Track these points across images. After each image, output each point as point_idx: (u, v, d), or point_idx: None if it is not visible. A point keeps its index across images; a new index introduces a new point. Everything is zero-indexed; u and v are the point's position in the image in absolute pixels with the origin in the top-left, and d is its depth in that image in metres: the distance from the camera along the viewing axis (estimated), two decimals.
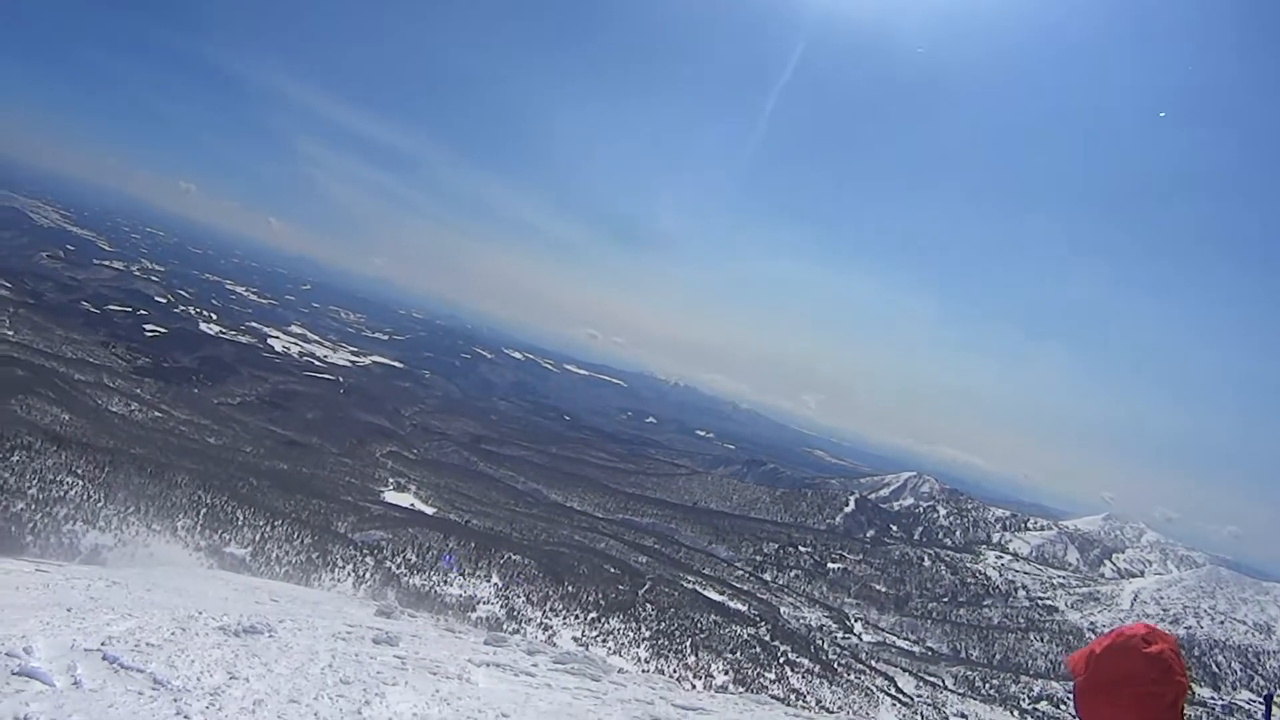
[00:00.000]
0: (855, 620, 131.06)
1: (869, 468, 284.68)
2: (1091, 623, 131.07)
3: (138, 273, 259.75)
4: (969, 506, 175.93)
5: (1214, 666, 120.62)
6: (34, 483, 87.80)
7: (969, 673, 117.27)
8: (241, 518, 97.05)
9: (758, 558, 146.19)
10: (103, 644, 12.11)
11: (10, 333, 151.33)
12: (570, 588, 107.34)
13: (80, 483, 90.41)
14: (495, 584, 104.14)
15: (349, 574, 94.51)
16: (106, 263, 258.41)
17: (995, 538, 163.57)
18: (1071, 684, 4.52)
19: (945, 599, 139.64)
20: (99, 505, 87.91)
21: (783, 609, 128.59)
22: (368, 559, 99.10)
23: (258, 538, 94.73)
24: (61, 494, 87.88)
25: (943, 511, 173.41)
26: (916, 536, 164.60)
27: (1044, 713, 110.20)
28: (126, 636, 13.01)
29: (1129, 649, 4.31)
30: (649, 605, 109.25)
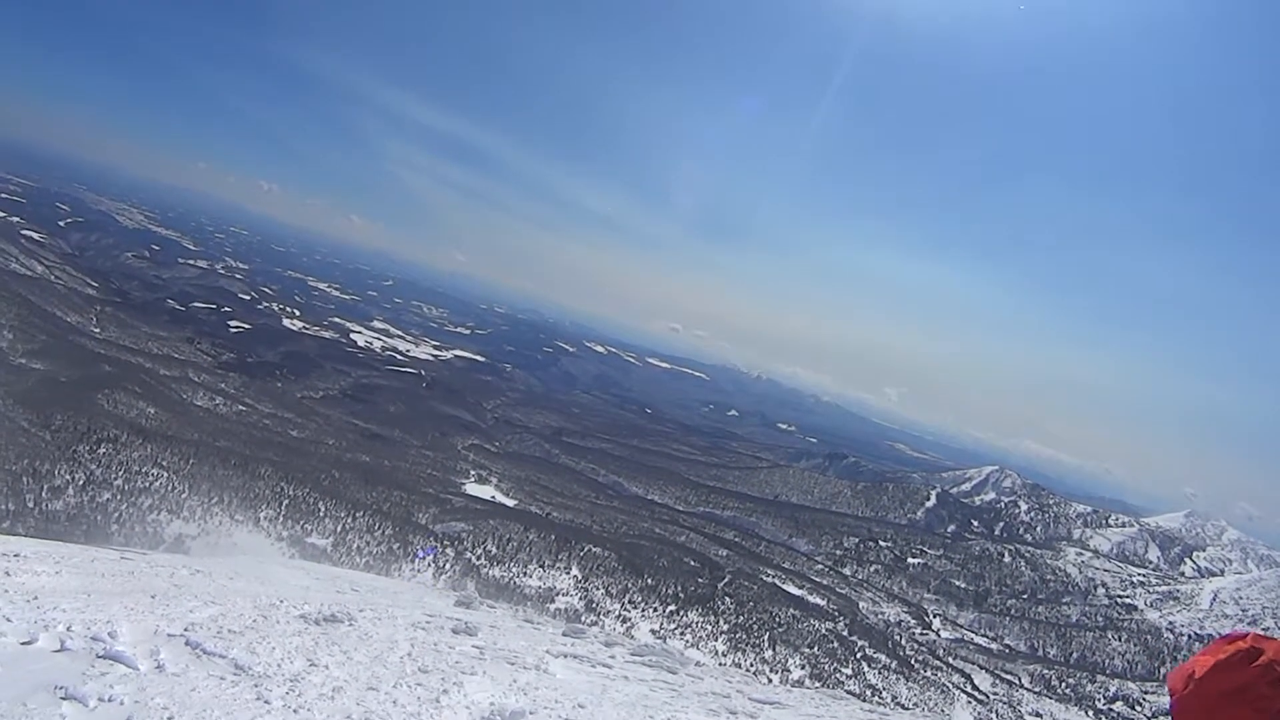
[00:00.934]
0: (934, 616, 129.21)
1: (951, 461, 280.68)
2: (1170, 622, 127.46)
3: (222, 271, 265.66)
4: (1050, 502, 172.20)
5: None
6: (120, 474, 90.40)
7: (1045, 671, 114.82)
8: (323, 509, 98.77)
9: (838, 552, 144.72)
10: (186, 630, 12.24)
11: (97, 330, 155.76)
12: (649, 580, 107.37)
13: (165, 474, 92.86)
14: (575, 576, 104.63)
15: (429, 565, 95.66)
16: (191, 262, 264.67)
17: (1076, 534, 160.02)
18: (1165, 689, 4.26)
19: (1024, 596, 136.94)
20: (183, 496, 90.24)
21: (861, 604, 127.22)
22: (448, 550, 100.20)
23: (339, 528, 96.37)
24: (147, 485, 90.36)
25: (1024, 507, 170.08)
26: (997, 532, 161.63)
27: (1119, 713, 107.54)
28: (209, 623, 13.14)
29: (1236, 659, 4.04)
30: (728, 599, 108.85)
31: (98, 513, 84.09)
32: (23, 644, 10.10)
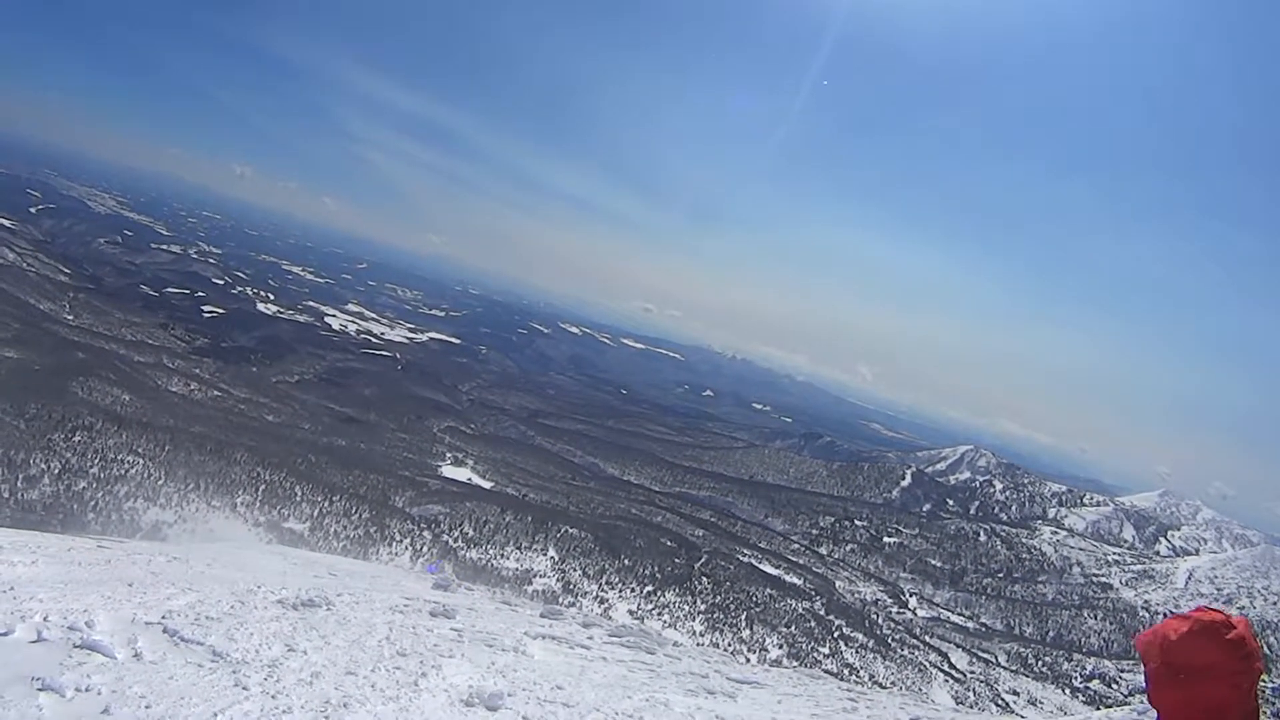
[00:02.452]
0: (910, 595, 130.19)
1: (926, 441, 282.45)
2: (1145, 601, 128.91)
3: (195, 256, 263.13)
4: (1025, 481, 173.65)
5: (1266, 648, 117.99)
6: (95, 462, 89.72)
7: (1022, 649, 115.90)
8: (300, 493, 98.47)
9: (814, 531, 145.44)
10: (163, 617, 12.24)
11: (70, 317, 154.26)
12: (626, 561, 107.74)
13: (141, 461, 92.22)
14: (552, 557, 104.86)
15: (406, 548, 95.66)
16: (164, 247, 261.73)
17: (1051, 513, 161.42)
18: (1141, 668, 4.36)
19: (1000, 575, 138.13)
20: (159, 483, 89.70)
21: (838, 583, 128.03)
22: (425, 533, 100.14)
23: (316, 513, 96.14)
24: (122, 472, 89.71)
25: (999, 486, 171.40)
26: (973, 511, 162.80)
27: (1095, 691, 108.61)
28: (186, 610, 13.14)
29: (1209, 634, 4.16)
30: (705, 579, 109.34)
31: (74, 501, 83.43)
32: None
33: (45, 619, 10.82)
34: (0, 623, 10.36)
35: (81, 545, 20.80)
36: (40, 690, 8.74)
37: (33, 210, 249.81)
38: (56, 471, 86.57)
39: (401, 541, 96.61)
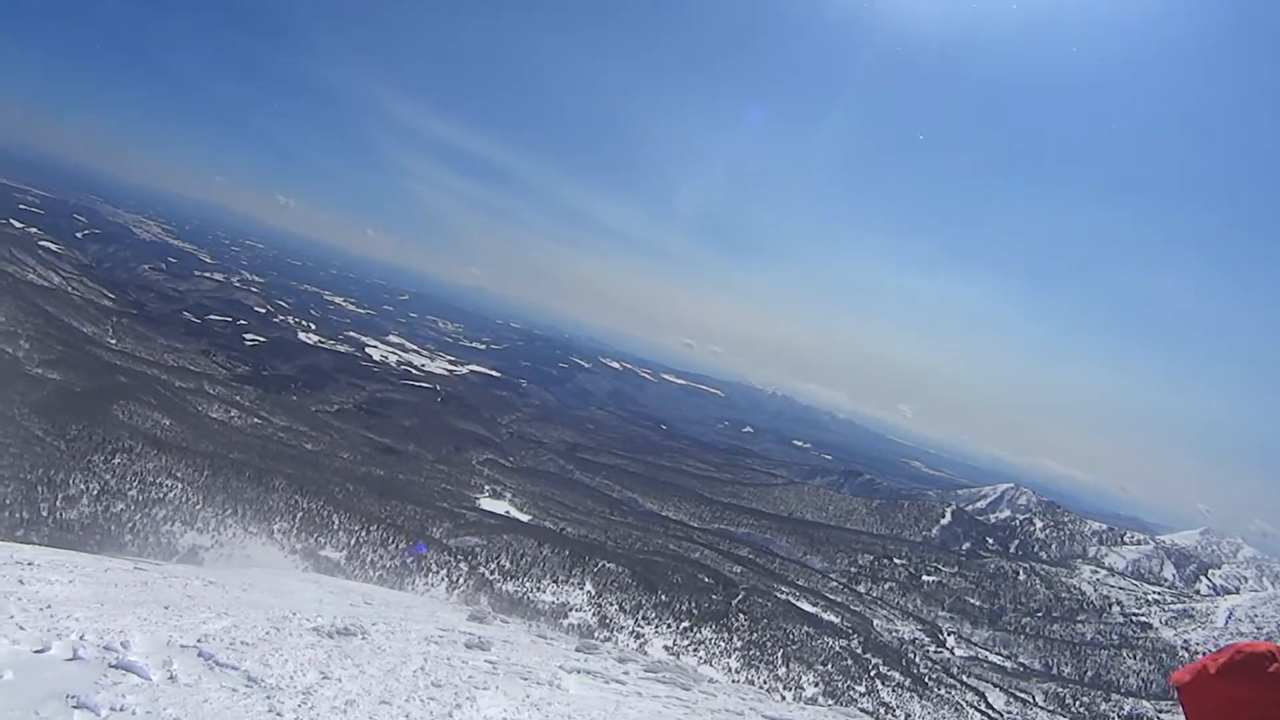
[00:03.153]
0: (948, 634, 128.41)
1: (966, 479, 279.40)
2: (1185, 640, 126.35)
3: (238, 284, 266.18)
4: (1066, 520, 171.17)
5: None
6: (134, 485, 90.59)
7: (1060, 689, 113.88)
8: (337, 522, 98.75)
9: (852, 569, 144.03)
10: (199, 641, 12.22)
11: (113, 341, 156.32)
12: (663, 596, 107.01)
13: (179, 485, 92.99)
14: (588, 592, 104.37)
15: (443, 579, 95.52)
16: (207, 275, 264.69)
17: (1091, 552, 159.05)
18: (1178, 707, 4.16)
19: (1039, 614, 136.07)
20: (197, 508, 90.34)
21: (876, 621, 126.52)
22: (462, 564, 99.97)
23: (353, 542, 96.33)
24: (161, 496, 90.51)
25: (1039, 524, 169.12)
26: (1012, 550, 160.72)
27: None
28: (222, 634, 13.12)
29: (1249, 668, 3.97)
30: (742, 615, 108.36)
31: (112, 523, 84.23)
32: (35, 652, 10.09)
33: (82, 638, 10.83)
34: (37, 640, 10.39)
35: (118, 566, 20.90)
36: (75, 708, 8.72)
37: (79, 235, 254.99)
38: (95, 492, 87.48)
39: (438, 572, 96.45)
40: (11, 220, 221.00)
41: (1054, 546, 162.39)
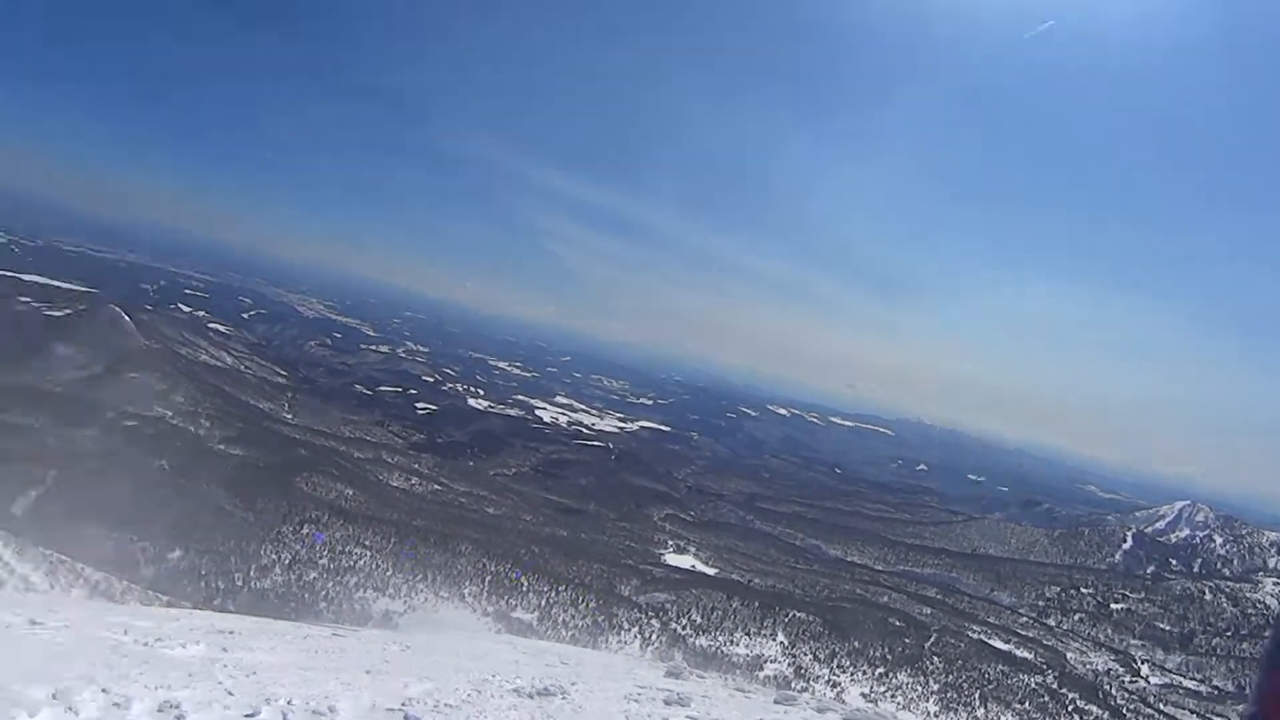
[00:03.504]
0: (1141, 662, 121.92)
1: (1141, 499, 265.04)
2: None
3: (403, 354, 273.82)
4: (1244, 532, 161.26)
5: None
6: (324, 554, 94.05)
7: None
8: (526, 584, 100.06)
9: (1040, 603, 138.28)
10: (403, 704, 12.09)
11: (290, 416, 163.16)
12: (856, 643, 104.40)
13: (368, 553, 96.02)
14: (781, 642, 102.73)
15: (635, 636, 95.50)
16: (373, 347, 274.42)
17: (1271, 563, 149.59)
18: None
19: (1228, 633, 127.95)
20: (387, 574, 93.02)
21: (1069, 654, 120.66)
22: (653, 621, 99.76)
23: (543, 603, 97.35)
24: (351, 564, 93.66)
25: (1219, 540, 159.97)
26: (1195, 569, 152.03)
27: None
28: (425, 697, 12.99)
29: None
30: (935, 658, 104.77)
31: (305, 590, 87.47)
32: (246, 717, 10.12)
33: (289, 703, 10.81)
34: (247, 705, 10.40)
35: (317, 633, 21.29)
36: None
37: (246, 316, 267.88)
38: (287, 562, 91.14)
39: (630, 630, 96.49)
40: (180, 305, 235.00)
41: (1235, 562, 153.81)
